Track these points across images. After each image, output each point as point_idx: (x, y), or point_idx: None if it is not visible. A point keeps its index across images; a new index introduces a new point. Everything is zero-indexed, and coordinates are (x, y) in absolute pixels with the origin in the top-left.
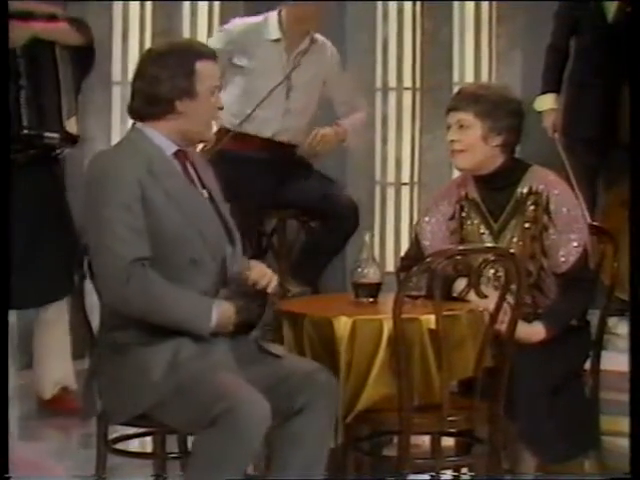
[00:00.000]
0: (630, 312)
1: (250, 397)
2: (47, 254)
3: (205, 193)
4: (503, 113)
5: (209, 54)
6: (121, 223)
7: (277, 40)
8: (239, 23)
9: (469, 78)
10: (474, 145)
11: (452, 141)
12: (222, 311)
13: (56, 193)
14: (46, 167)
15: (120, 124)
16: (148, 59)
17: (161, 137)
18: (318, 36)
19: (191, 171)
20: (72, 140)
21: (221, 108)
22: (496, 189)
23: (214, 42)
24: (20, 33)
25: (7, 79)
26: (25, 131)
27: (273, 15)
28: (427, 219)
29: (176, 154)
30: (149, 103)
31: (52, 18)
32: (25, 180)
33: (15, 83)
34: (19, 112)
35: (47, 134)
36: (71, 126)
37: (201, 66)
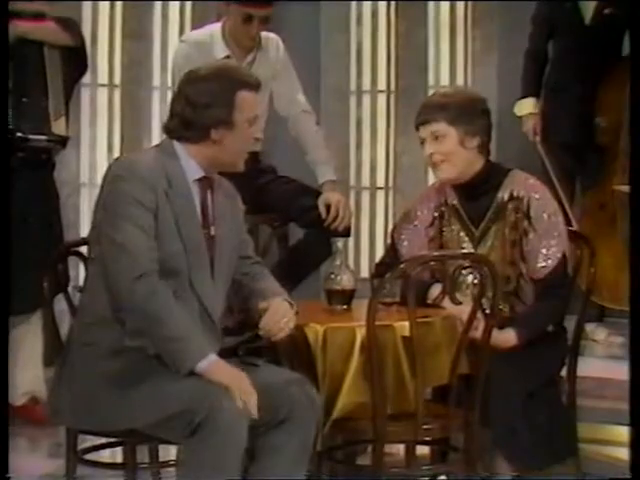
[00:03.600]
0: (630, 315)
1: (223, 399)
2: (27, 263)
3: (212, 230)
4: (474, 114)
5: (252, 84)
6: (135, 222)
7: (226, 57)
8: (190, 39)
9: (444, 81)
10: (453, 152)
11: (431, 154)
12: (214, 368)
13: (44, 198)
14: (36, 171)
15: (89, 127)
16: (189, 82)
17: (190, 160)
18: (263, 35)
19: (209, 202)
20: (61, 142)
21: (257, 139)
22: (476, 195)
23: (179, 55)
24: None
25: (7, 79)
26: (9, 135)
27: (217, 30)
28: (404, 225)
29: (200, 180)
30: (184, 127)
31: (39, 17)
32: (14, 184)
33: None
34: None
35: (32, 137)
36: (60, 128)
37: (242, 96)
